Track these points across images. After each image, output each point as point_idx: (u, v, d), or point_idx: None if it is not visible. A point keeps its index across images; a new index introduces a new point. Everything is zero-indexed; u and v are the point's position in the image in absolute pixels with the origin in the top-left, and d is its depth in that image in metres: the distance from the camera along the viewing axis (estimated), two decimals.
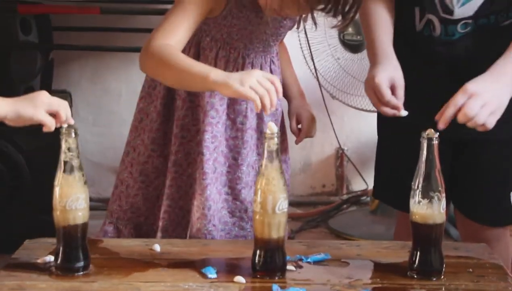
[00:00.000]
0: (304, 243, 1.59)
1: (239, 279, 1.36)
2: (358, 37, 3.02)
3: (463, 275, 1.40)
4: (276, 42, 1.78)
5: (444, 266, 1.39)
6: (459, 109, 1.53)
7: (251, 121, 1.77)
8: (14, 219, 2.88)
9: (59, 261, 1.38)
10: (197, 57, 1.72)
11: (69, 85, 3.55)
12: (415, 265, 1.39)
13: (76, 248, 1.38)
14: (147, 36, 1.65)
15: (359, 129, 3.63)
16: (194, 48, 1.73)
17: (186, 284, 1.34)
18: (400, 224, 1.99)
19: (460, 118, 1.51)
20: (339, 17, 1.57)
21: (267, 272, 1.38)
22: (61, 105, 1.41)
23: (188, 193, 1.77)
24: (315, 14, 1.58)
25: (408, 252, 1.42)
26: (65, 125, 1.38)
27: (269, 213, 1.36)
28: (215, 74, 1.52)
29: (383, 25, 1.74)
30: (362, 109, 3.03)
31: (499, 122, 1.58)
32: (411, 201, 1.39)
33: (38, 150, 2.90)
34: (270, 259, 1.38)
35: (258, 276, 1.38)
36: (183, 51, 1.66)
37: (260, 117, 1.78)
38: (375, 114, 1.93)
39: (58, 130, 1.38)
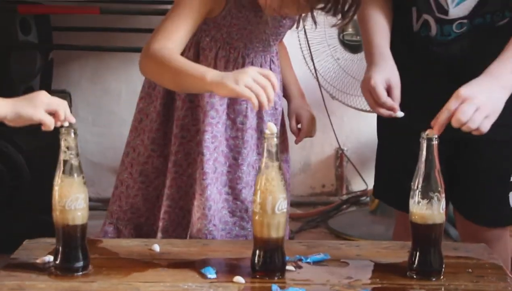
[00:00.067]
0: (304, 243, 1.59)
1: (239, 279, 1.36)
2: (358, 37, 3.02)
3: (462, 275, 1.40)
4: (276, 41, 1.78)
5: (443, 266, 1.40)
6: (453, 114, 1.53)
7: (251, 121, 1.77)
8: (14, 219, 2.88)
9: (58, 261, 1.38)
10: (197, 57, 1.72)
11: (69, 85, 3.55)
12: (415, 265, 1.39)
13: (75, 248, 1.38)
14: (147, 36, 1.65)
15: (358, 129, 3.63)
16: (194, 48, 1.73)
17: (185, 284, 1.34)
18: (399, 224, 1.99)
19: (454, 123, 1.51)
20: (339, 16, 1.57)
21: (267, 272, 1.38)
22: (60, 105, 1.41)
23: (188, 193, 1.77)
24: (314, 13, 1.58)
25: (408, 252, 1.42)
26: (65, 124, 1.39)
27: (268, 213, 1.36)
28: (211, 75, 1.52)
29: (381, 31, 1.75)
30: (362, 110, 3.03)
31: (499, 123, 1.58)
32: (411, 201, 1.39)
33: (38, 150, 2.91)
34: (270, 259, 1.38)
35: (258, 276, 1.38)
36: (183, 51, 1.66)
37: (260, 117, 1.78)
38: (375, 115, 1.92)
39: (57, 130, 1.39)
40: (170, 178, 1.76)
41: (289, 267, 1.41)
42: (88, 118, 3.61)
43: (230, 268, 1.44)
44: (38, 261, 1.44)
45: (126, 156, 1.83)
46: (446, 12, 1.71)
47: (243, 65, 1.72)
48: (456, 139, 1.72)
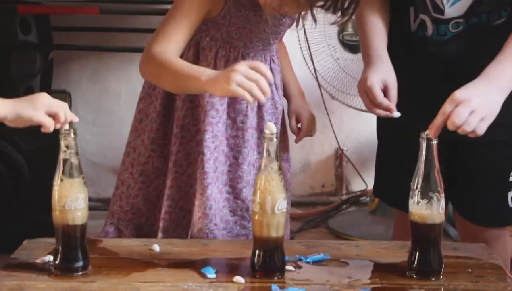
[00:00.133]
0: (304, 243, 1.59)
1: (238, 279, 1.36)
2: (358, 37, 3.01)
3: (462, 275, 1.40)
4: (275, 40, 1.78)
5: (443, 266, 1.40)
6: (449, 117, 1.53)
7: (252, 120, 1.77)
8: (14, 219, 2.88)
9: (58, 261, 1.38)
10: (197, 57, 1.73)
11: (69, 85, 3.55)
12: (414, 265, 1.39)
13: (75, 248, 1.38)
14: (147, 36, 1.65)
15: (358, 129, 3.63)
16: (194, 48, 1.73)
17: (185, 284, 1.35)
18: (398, 224, 2.00)
19: (449, 126, 1.51)
20: (339, 14, 1.57)
21: (266, 272, 1.38)
22: (60, 107, 1.41)
23: (188, 193, 1.77)
24: (314, 11, 1.58)
25: (407, 252, 1.42)
26: (65, 127, 1.39)
27: (268, 213, 1.36)
28: (206, 76, 1.52)
29: (378, 33, 1.76)
30: (362, 110, 3.03)
31: (498, 123, 1.58)
32: (410, 201, 1.39)
33: (38, 150, 2.90)
34: (269, 259, 1.38)
35: (257, 276, 1.38)
36: (183, 51, 1.66)
37: (260, 116, 1.78)
38: (375, 115, 1.93)
39: (57, 130, 1.39)
40: (171, 178, 1.76)
41: (288, 267, 1.41)
42: (88, 118, 3.61)
43: (230, 268, 1.44)
44: (38, 261, 1.44)
45: (126, 156, 1.83)
46: (442, 12, 1.71)
47: None
48: (453, 141, 1.72)
